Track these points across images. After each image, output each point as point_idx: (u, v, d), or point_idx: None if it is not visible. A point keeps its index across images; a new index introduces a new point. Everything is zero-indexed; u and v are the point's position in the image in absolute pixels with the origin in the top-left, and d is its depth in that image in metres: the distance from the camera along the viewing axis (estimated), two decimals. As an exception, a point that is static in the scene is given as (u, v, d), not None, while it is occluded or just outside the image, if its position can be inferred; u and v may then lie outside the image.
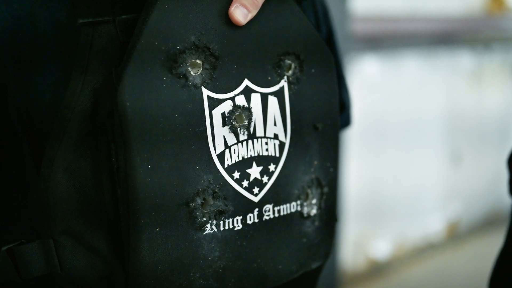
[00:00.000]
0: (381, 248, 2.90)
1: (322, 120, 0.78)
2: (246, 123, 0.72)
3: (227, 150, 0.71)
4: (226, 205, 0.71)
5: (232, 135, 0.71)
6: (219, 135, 0.70)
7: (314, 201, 0.79)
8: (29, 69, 0.69)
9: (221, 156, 0.71)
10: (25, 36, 0.69)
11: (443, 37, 3.00)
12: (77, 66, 0.66)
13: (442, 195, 3.21)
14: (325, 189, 0.80)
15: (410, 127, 2.93)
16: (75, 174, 0.67)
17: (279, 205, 0.76)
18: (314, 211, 0.79)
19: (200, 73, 0.69)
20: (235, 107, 0.71)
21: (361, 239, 2.80)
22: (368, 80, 2.67)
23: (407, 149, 2.94)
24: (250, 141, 0.73)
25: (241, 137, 0.72)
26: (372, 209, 2.84)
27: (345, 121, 0.96)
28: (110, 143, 0.67)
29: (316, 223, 0.79)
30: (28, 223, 0.73)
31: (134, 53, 0.65)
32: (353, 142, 2.55)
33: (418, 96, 2.95)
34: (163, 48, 0.66)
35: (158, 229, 0.67)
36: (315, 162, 0.78)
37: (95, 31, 0.66)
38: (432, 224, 3.16)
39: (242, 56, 0.71)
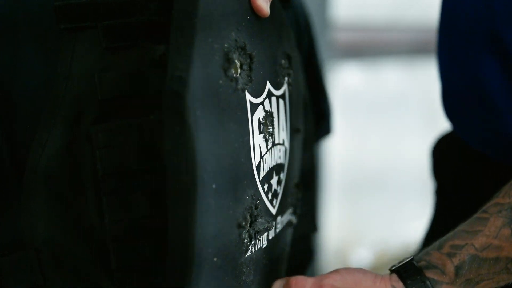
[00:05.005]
0: (363, 256, 2.90)
1: (300, 122, 0.76)
2: (271, 129, 0.68)
3: (261, 161, 0.66)
4: (268, 222, 0.66)
5: (264, 143, 0.67)
6: (257, 145, 0.65)
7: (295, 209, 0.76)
8: (11, 75, 0.69)
9: (258, 168, 0.66)
10: (6, 42, 0.69)
11: (424, 46, 3.02)
12: (59, 72, 0.66)
13: (425, 204, 3.22)
14: (300, 195, 0.77)
15: (392, 135, 2.95)
16: (57, 183, 0.67)
17: (283, 215, 0.72)
18: (295, 219, 0.77)
19: (240, 75, 0.63)
20: (266, 112, 0.67)
21: (342, 247, 2.80)
22: (349, 89, 2.69)
23: (388, 156, 2.95)
24: (272, 149, 0.68)
25: (269, 145, 0.67)
26: (354, 217, 2.84)
27: (325, 130, 0.97)
28: (95, 150, 0.66)
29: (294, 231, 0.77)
30: (11, 233, 0.73)
31: (194, 52, 0.57)
32: (335, 145, 2.56)
33: (398, 104, 2.97)
34: (216, 46, 0.60)
35: (215, 259, 0.60)
36: (297, 166, 0.76)
37: (77, 36, 0.66)
38: (414, 231, 3.17)
39: (262, 56, 0.66)
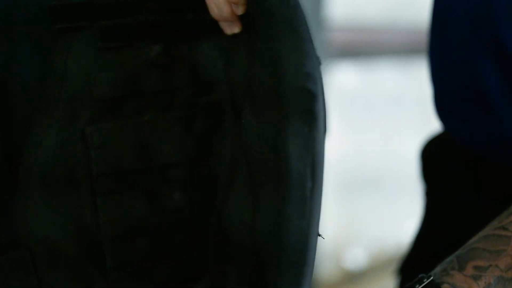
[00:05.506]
0: (358, 256, 2.91)
1: None
2: None
3: None
4: None
5: None
6: None
7: None
8: (7, 75, 0.69)
9: None
10: (2, 42, 0.69)
11: (420, 47, 3.02)
12: (55, 71, 0.66)
13: (421, 203, 3.23)
14: None
15: (387, 135, 2.95)
16: (52, 182, 0.67)
17: None
18: None
19: None
20: None
21: (337, 247, 2.81)
22: (344, 89, 2.69)
23: (383, 156, 2.95)
24: None
25: None
26: (349, 217, 2.85)
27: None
28: (90, 150, 0.66)
29: None
30: (6, 233, 0.73)
31: (312, 49, 0.56)
32: (330, 144, 2.56)
33: (393, 104, 2.97)
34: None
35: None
36: None
37: (73, 36, 0.66)
38: (410, 231, 3.17)
39: None
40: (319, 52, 0.59)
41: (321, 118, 0.53)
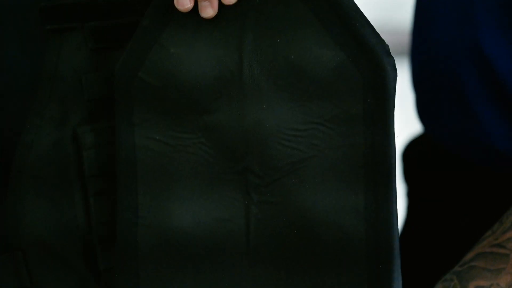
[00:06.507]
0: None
1: None
2: None
3: None
4: None
5: None
6: None
7: None
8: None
9: None
10: None
11: (404, 49, 3.02)
12: (45, 72, 0.67)
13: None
14: None
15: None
16: (44, 183, 0.67)
17: None
18: None
19: None
20: None
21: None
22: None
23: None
24: None
25: None
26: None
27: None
28: (82, 151, 0.66)
29: None
30: None
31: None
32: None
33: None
34: None
35: None
36: None
37: (64, 37, 0.67)
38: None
39: None
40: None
41: None
